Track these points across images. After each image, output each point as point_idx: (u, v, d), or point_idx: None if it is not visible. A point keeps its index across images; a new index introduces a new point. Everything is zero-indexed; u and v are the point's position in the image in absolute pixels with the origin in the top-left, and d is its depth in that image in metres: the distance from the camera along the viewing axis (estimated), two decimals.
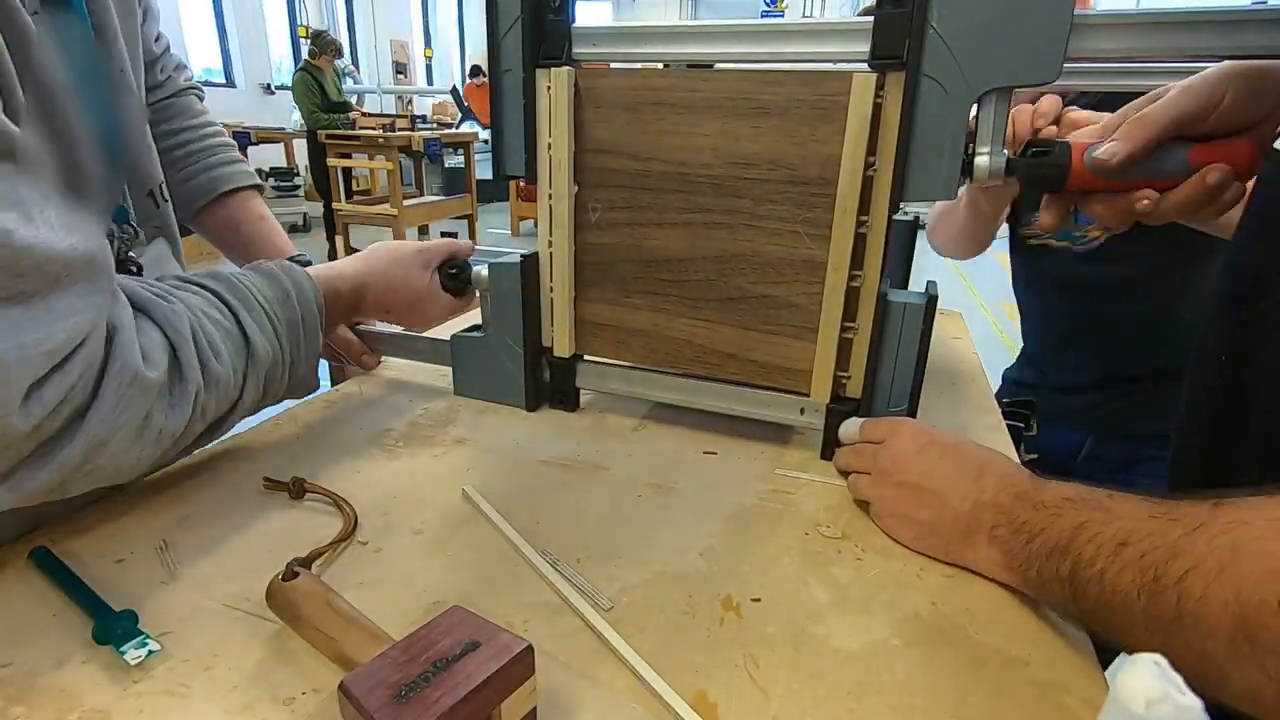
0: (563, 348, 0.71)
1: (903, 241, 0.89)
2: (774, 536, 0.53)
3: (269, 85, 7.70)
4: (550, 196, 0.65)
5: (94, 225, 0.41)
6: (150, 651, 0.39)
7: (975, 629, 0.43)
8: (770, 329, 0.63)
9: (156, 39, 0.72)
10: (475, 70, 7.77)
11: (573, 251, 0.67)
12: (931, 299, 0.56)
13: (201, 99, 0.80)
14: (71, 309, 0.37)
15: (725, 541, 0.52)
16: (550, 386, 0.74)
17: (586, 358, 0.72)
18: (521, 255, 0.68)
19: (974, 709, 0.38)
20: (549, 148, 0.64)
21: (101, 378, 0.40)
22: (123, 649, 0.38)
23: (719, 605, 0.45)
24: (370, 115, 6.12)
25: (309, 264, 0.77)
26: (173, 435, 0.45)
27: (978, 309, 4.34)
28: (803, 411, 0.64)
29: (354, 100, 7.00)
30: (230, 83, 7.39)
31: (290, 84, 5.13)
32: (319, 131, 4.91)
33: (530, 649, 0.33)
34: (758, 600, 0.46)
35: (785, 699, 0.38)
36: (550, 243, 0.67)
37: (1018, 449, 0.69)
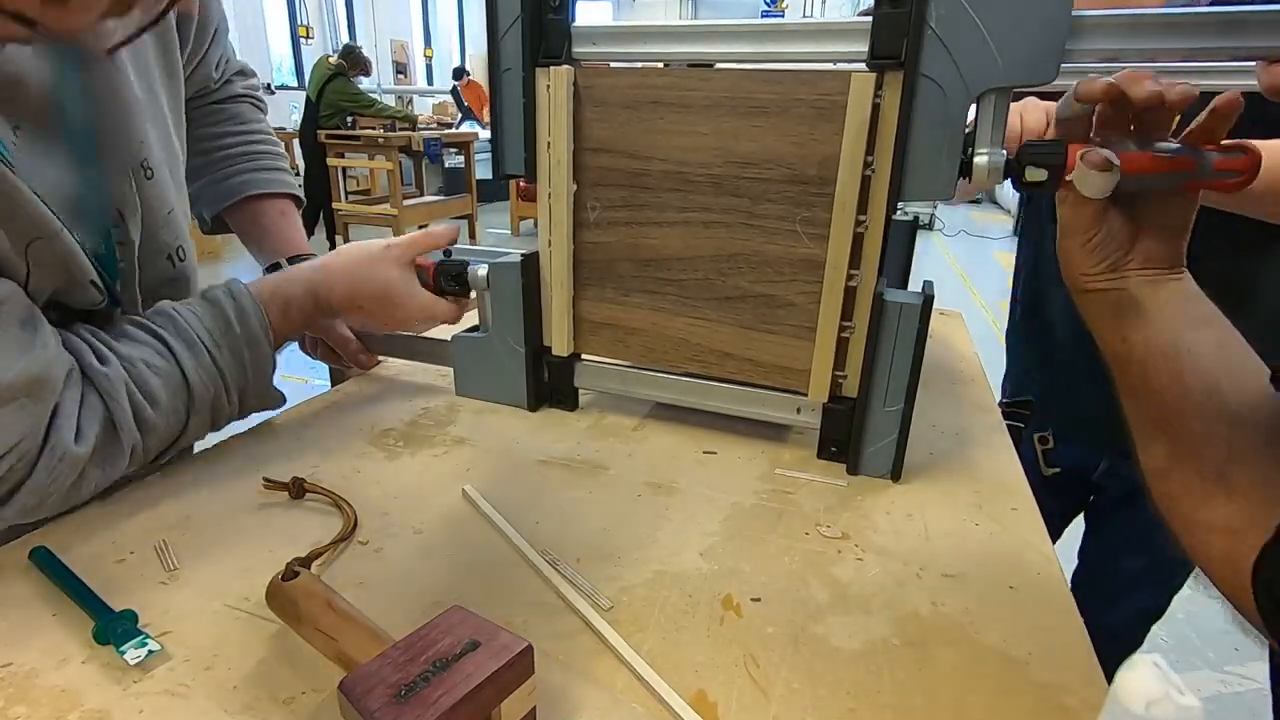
0: (561, 347, 0.71)
1: (902, 241, 0.89)
2: (774, 536, 0.53)
3: (269, 85, 7.69)
4: (550, 195, 0.65)
5: (47, 341, 0.47)
6: (150, 651, 0.39)
7: (975, 629, 0.43)
8: (768, 328, 0.63)
9: (217, 64, 0.74)
10: (459, 72, 7.77)
11: (571, 250, 0.67)
12: (928, 299, 0.56)
13: (260, 107, 0.81)
14: (11, 421, 0.44)
15: (725, 541, 0.52)
16: (549, 386, 0.74)
17: (585, 357, 0.72)
18: (522, 255, 0.68)
19: (974, 709, 0.38)
20: (548, 147, 0.64)
21: (36, 462, 0.46)
22: (123, 649, 0.38)
23: (719, 605, 0.45)
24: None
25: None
26: (110, 480, 0.51)
27: (978, 309, 4.34)
28: (799, 411, 0.64)
29: None
30: None
31: (318, 87, 5.06)
32: (319, 131, 4.90)
33: (530, 649, 0.33)
34: (758, 600, 0.46)
35: (785, 699, 0.38)
36: (549, 242, 0.67)
37: (1017, 448, 0.69)
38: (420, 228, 0.77)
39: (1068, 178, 0.44)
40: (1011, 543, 0.53)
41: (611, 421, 0.71)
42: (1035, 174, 0.49)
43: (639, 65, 0.62)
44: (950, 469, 0.63)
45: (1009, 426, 0.74)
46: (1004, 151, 0.52)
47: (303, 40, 8.21)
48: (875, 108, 0.53)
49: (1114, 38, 0.47)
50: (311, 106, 5.05)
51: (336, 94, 5.04)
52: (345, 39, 8.16)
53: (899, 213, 0.91)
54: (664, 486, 0.59)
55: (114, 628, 0.40)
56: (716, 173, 0.60)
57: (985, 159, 0.51)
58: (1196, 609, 1.74)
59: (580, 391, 0.74)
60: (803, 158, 0.57)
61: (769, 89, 0.56)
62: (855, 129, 0.53)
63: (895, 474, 0.60)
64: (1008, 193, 7.69)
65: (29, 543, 0.48)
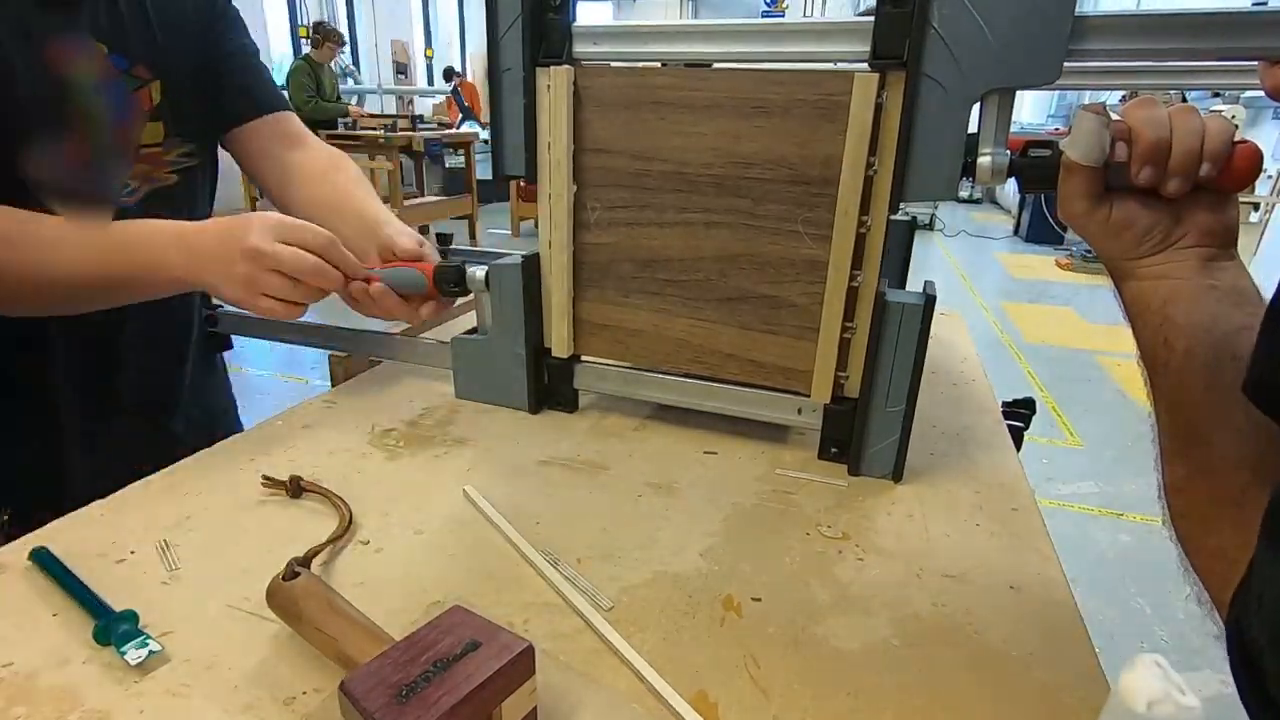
0: (561, 349, 0.71)
1: (900, 241, 0.89)
2: (774, 536, 0.53)
3: None
4: (550, 196, 0.66)
5: None
6: (151, 652, 0.39)
7: (976, 629, 0.43)
8: (770, 329, 0.63)
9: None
10: (449, 73, 7.75)
11: (571, 252, 0.67)
12: (930, 299, 0.56)
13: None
14: None
15: (725, 541, 0.52)
16: (549, 388, 0.74)
17: (585, 359, 0.72)
18: (522, 256, 0.68)
19: (974, 709, 0.38)
20: (549, 147, 0.64)
21: None
22: (123, 649, 0.38)
23: (719, 605, 0.45)
24: (372, 116, 6.11)
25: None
26: None
27: (978, 309, 4.34)
28: (800, 411, 0.64)
29: (354, 100, 6.99)
30: None
31: (287, 77, 5.12)
32: (318, 131, 4.89)
33: (531, 649, 0.33)
34: (758, 600, 0.46)
35: (785, 699, 0.38)
36: (550, 243, 0.67)
37: (1017, 448, 0.69)
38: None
39: (1061, 144, 0.44)
40: (1012, 543, 0.53)
41: (612, 422, 0.71)
42: (1039, 151, 0.49)
43: (640, 65, 0.62)
44: (951, 469, 0.63)
45: (1009, 426, 0.74)
46: (1008, 152, 0.52)
47: (303, 41, 8.20)
48: (878, 108, 0.53)
49: (1117, 38, 0.47)
50: None
51: (293, 88, 4.99)
52: (346, 40, 8.14)
53: (898, 212, 0.91)
54: (664, 486, 0.59)
55: (114, 628, 0.40)
56: (718, 173, 0.60)
57: (989, 159, 0.51)
58: (1197, 609, 1.74)
59: (581, 393, 0.74)
60: (805, 158, 0.57)
61: (771, 89, 0.56)
62: (858, 129, 0.53)
63: (897, 475, 0.60)
64: (1008, 192, 7.69)
65: (29, 543, 0.48)
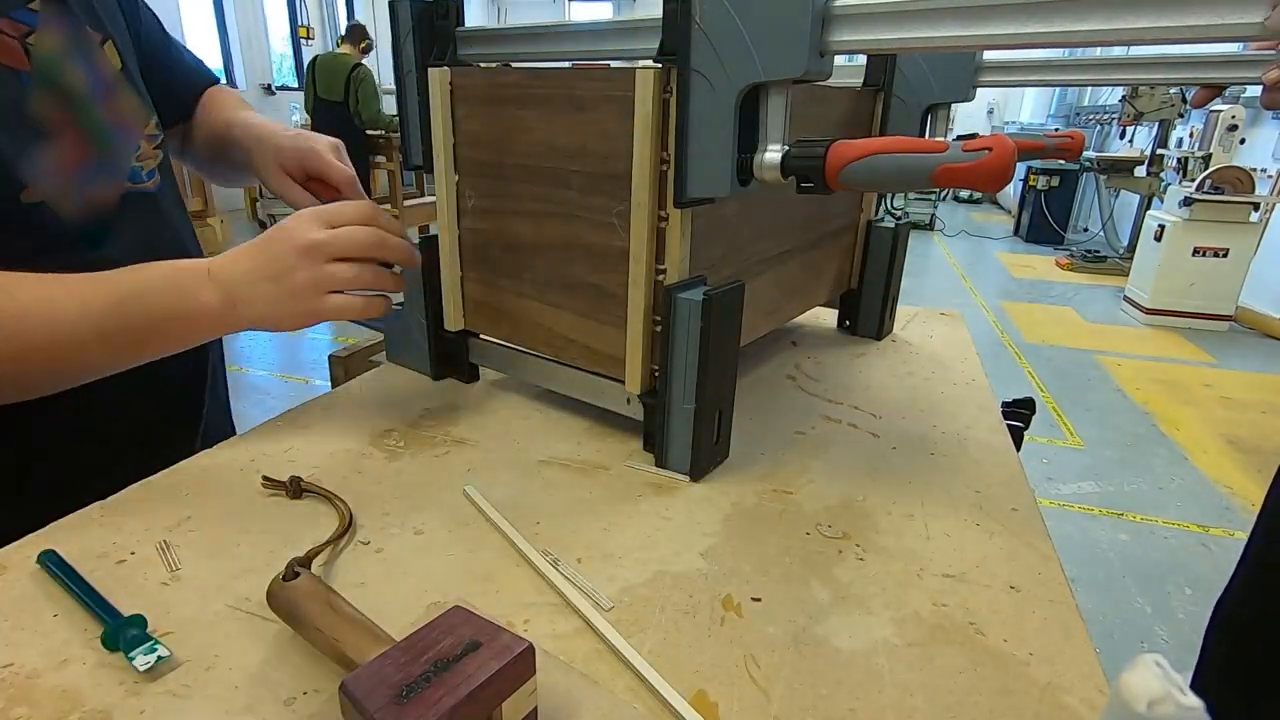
0: (449, 323, 0.75)
1: (885, 247, 0.90)
2: (774, 536, 0.53)
3: (269, 85, 7.69)
4: (441, 185, 0.70)
5: None
6: (160, 657, 0.38)
7: (976, 629, 0.43)
8: (598, 318, 0.64)
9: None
10: None
11: (456, 235, 0.71)
12: (709, 299, 0.54)
13: None
14: None
15: (725, 541, 0.52)
16: (448, 359, 0.78)
17: (484, 337, 0.76)
18: (423, 237, 0.73)
19: (974, 709, 0.38)
20: (440, 140, 0.69)
21: None
22: (132, 655, 0.38)
23: (719, 605, 0.45)
24: None
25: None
26: None
27: (978, 309, 4.34)
28: (629, 401, 0.65)
29: None
30: (231, 83, 7.37)
31: (354, 85, 4.61)
32: (366, 132, 4.69)
33: (531, 649, 0.33)
34: (758, 600, 0.46)
35: (785, 699, 0.38)
36: (444, 227, 0.72)
37: (1017, 448, 0.69)
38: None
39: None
40: (1012, 542, 0.53)
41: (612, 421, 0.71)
42: (806, 149, 0.49)
43: (495, 65, 0.67)
44: (950, 469, 0.63)
45: (1009, 426, 0.74)
46: (781, 149, 0.51)
47: (303, 41, 8.20)
48: (665, 103, 0.53)
49: (867, 29, 0.46)
50: (334, 108, 4.62)
51: (369, 96, 4.59)
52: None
53: (881, 219, 0.91)
54: (664, 486, 0.59)
55: (123, 633, 0.39)
56: (550, 166, 0.62)
57: (765, 156, 0.51)
58: (1198, 609, 1.74)
59: (478, 366, 0.78)
60: (613, 152, 0.57)
61: (584, 85, 0.58)
62: (643, 123, 0.53)
63: (694, 474, 0.60)
64: (1008, 193, 7.70)
65: (31, 543, 0.48)
